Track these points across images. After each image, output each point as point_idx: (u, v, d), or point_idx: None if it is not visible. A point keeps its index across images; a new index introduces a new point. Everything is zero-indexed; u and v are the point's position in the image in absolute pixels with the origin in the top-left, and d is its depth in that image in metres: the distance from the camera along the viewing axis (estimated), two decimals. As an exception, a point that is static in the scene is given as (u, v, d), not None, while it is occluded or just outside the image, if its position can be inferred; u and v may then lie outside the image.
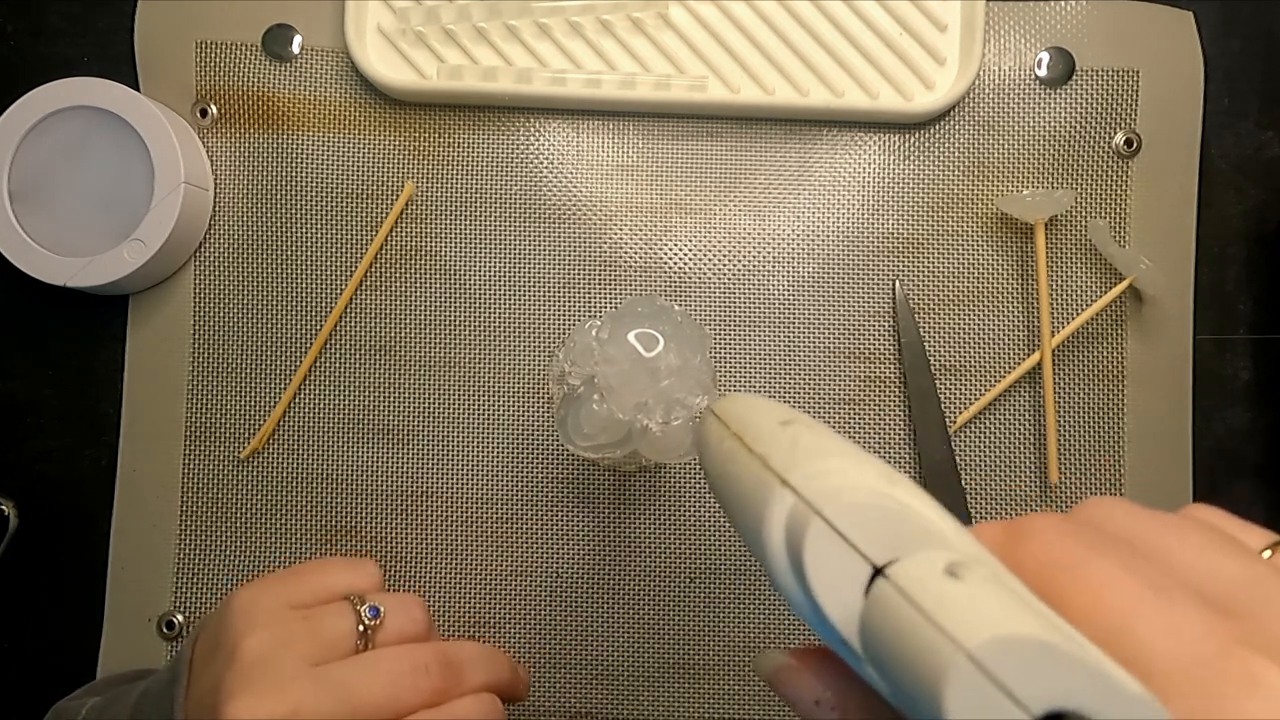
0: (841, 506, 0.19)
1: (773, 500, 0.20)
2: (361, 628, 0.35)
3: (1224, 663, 0.16)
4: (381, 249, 0.48)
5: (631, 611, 0.46)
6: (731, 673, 0.46)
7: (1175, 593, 0.18)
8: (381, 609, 0.36)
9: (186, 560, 0.47)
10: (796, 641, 0.46)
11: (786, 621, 0.46)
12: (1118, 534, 0.20)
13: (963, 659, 0.16)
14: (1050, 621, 0.16)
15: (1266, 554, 0.21)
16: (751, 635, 0.46)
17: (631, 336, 0.38)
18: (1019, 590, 0.17)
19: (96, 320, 0.48)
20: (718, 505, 0.46)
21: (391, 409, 0.47)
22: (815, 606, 0.19)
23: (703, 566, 0.46)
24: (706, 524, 0.47)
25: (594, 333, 0.39)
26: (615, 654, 0.46)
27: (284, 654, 0.32)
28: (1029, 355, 0.47)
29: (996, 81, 0.48)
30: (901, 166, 0.48)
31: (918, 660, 0.16)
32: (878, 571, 0.18)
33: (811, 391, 0.47)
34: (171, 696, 0.34)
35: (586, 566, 0.47)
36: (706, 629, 0.46)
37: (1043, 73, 0.48)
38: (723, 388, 0.47)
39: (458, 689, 0.35)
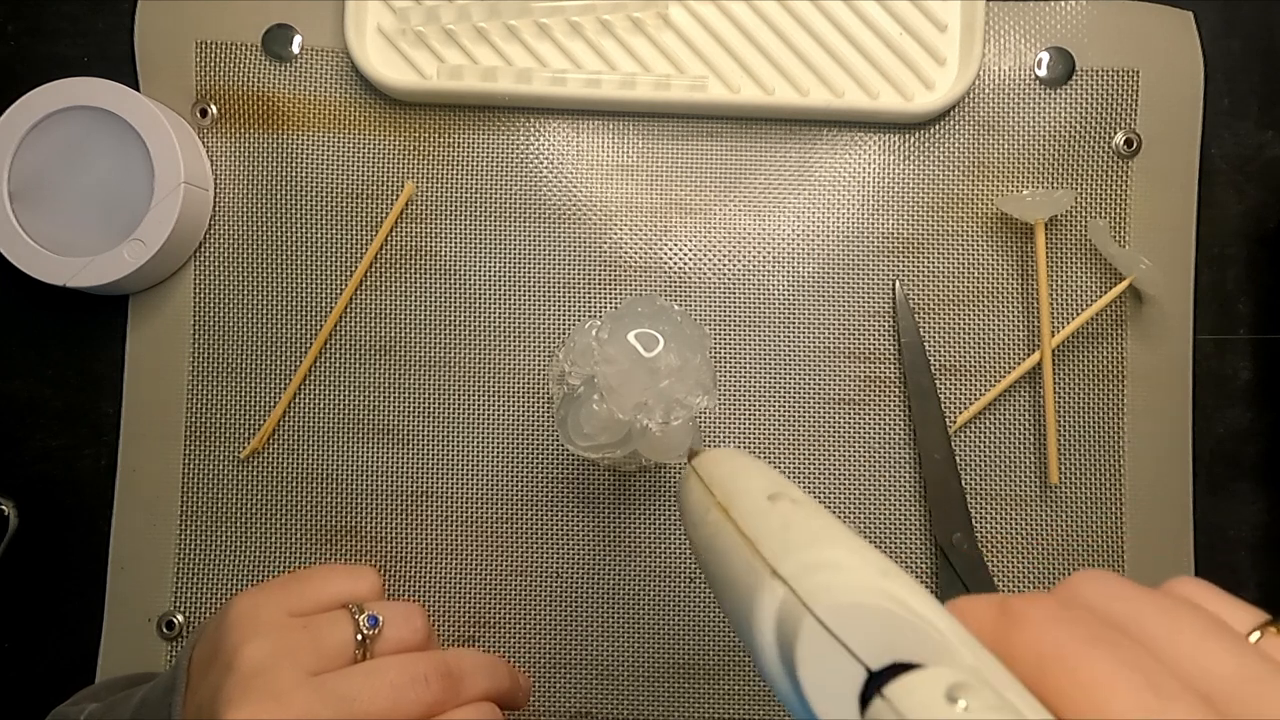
0: (835, 606, 0.18)
1: (763, 591, 0.20)
2: (360, 637, 0.35)
3: None
4: (381, 249, 0.48)
5: (631, 611, 0.46)
6: (731, 673, 0.46)
7: (1176, 695, 0.17)
8: (381, 618, 0.36)
9: (186, 560, 0.47)
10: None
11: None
12: (1109, 616, 0.20)
13: None
14: None
15: (1255, 635, 0.20)
16: (751, 635, 0.46)
17: (631, 336, 0.38)
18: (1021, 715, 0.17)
19: (96, 320, 0.48)
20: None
21: (391, 409, 0.47)
22: (806, 706, 0.18)
23: (703, 566, 0.46)
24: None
25: (594, 333, 0.39)
26: (615, 654, 0.46)
27: (282, 663, 0.32)
28: (1029, 355, 0.47)
29: (996, 81, 0.48)
30: (901, 166, 0.48)
31: None
32: (872, 676, 0.18)
33: (811, 391, 0.47)
34: (170, 704, 0.34)
35: (586, 566, 0.47)
36: (706, 629, 0.46)
37: (1043, 73, 0.48)
38: (722, 388, 0.47)
39: (457, 699, 0.35)
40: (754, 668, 0.20)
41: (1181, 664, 0.18)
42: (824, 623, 0.18)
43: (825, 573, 0.19)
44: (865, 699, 0.18)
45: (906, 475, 0.47)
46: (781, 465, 0.47)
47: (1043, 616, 0.19)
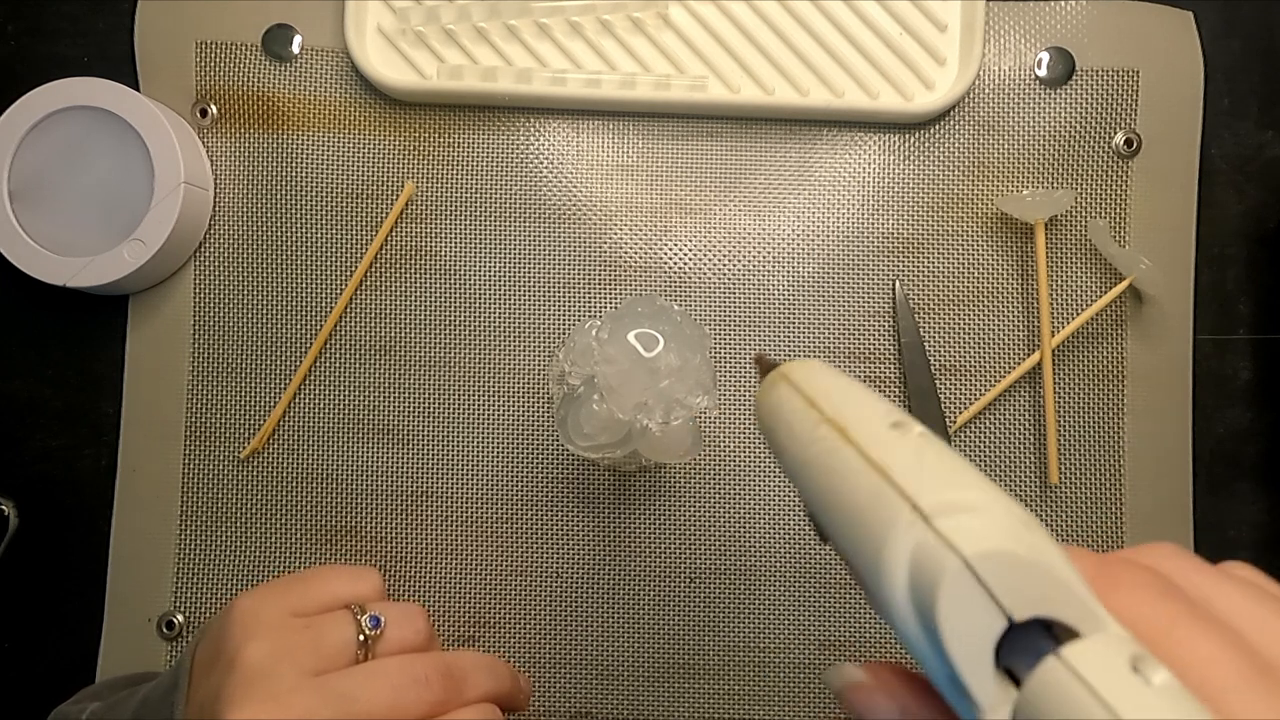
0: (984, 552, 0.17)
1: (899, 527, 0.19)
2: (362, 638, 0.35)
3: None
4: (381, 249, 0.48)
5: (631, 611, 0.46)
6: (731, 673, 0.46)
7: (1273, 675, 0.18)
8: (382, 619, 0.35)
9: (186, 560, 0.47)
10: (797, 645, 0.46)
11: (785, 622, 0.46)
12: (1190, 590, 0.20)
13: None
14: None
15: None
16: (751, 635, 0.46)
17: (631, 336, 0.38)
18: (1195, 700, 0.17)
19: (96, 320, 0.48)
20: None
21: (391, 409, 0.47)
22: (940, 650, 0.18)
23: (703, 566, 0.46)
24: (706, 524, 0.47)
25: (594, 333, 0.39)
26: (615, 654, 0.46)
27: (284, 664, 0.32)
28: (1029, 355, 0.47)
29: (996, 81, 0.48)
30: (901, 166, 0.48)
31: None
32: (1011, 626, 0.17)
33: (811, 391, 0.47)
34: (171, 703, 0.34)
35: (586, 566, 0.47)
36: (706, 629, 0.46)
37: (1043, 73, 0.48)
38: (722, 388, 0.47)
39: (458, 699, 0.35)
40: (870, 600, 0.19)
41: (1260, 643, 0.19)
42: (973, 569, 0.17)
43: (970, 515, 0.18)
44: (999, 651, 0.17)
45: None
46: (781, 465, 0.47)
47: (1146, 585, 0.19)
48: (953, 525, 0.18)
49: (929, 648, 0.18)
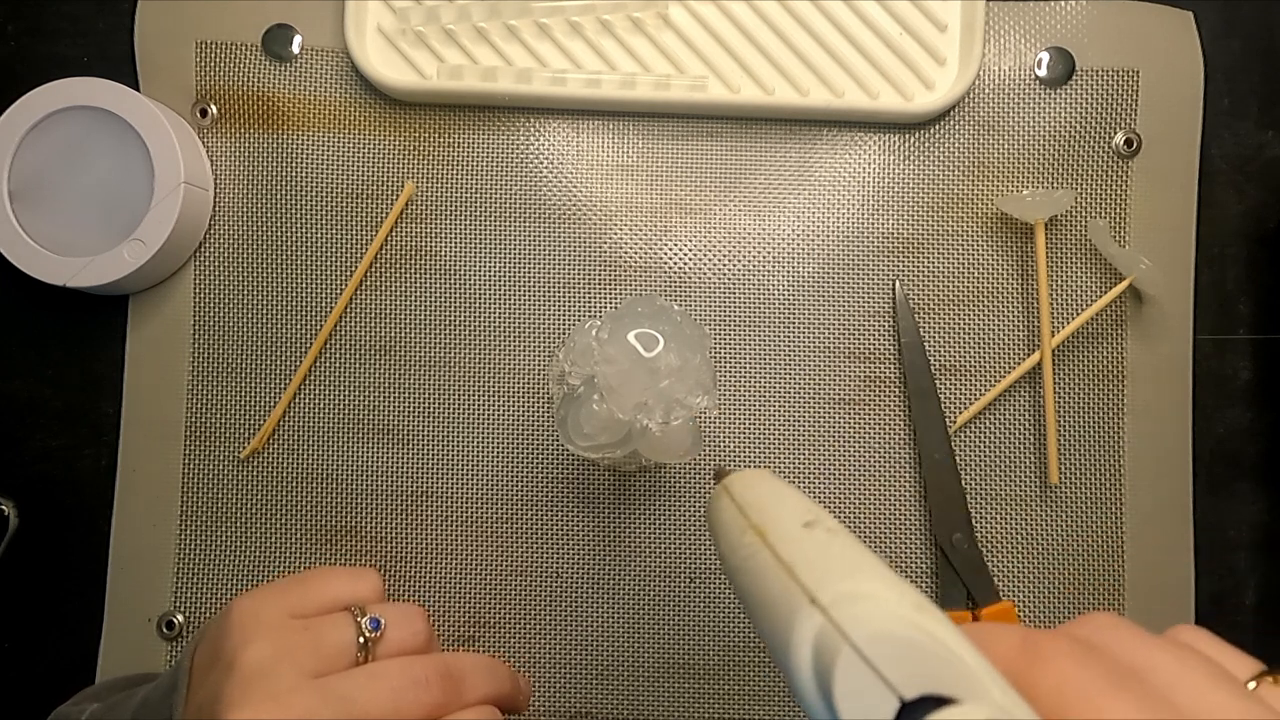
0: (872, 636, 0.19)
1: (800, 618, 0.20)
2: (362, 640, 0.35)
3: None
4: (381, 249, 0.48)
5: (631, 611, 0.46)
6: (731, 673, 0.46)
7: None
8: (382, 621, 0.35)
9: (186, 560, 0.47)
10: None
11: (786, 621, 0.46)
12: (1121, 659, 0.21)
13: None
14: None
15: (1251, 685, 0.22)
16: (751, 635, 0.46)
17: (631, 336, 0.38)
18: None
19: (96, 320, 0.48)
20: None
21: (391, 409, 0.47)
22: None
23: (703, 566, 0.46)
24: (706, 524, 0.47)
25: (594, 333, 0.39)
26: (615, 654, 0.46)
27: (283, 665, 0.32)
28: (1029, 355, 0.47)
29: (996, 81, 0.48)
30: (901, 166, 0.48)
31: None
32: (904, 706, 0.18)
33: (811, 391, 0.47)
34: (171, 704, 0.34)
35: (586, 566, 0.47)
36: (706, 629, 0.46)
37: (1043, 73, 0.48)
38: (722, 388, 0.47)
39: (458, 701, 0.35)
40: (787, 688, 0.21)
41: (1191, 709, 0.20)
42: (861, 652, 0.19)
43: (862, 603, 0.20)
44: None
45: (906, 475, 0.47)
46: (782, 465, 0.47)
47: (1067, 655, 0.20)
48: (846, 614, 0.19)
49: None
